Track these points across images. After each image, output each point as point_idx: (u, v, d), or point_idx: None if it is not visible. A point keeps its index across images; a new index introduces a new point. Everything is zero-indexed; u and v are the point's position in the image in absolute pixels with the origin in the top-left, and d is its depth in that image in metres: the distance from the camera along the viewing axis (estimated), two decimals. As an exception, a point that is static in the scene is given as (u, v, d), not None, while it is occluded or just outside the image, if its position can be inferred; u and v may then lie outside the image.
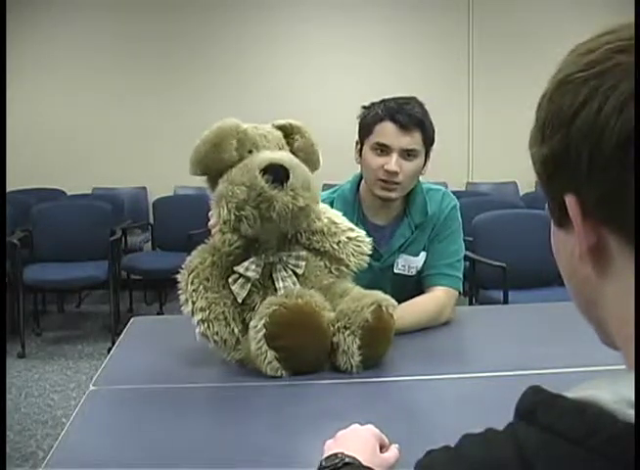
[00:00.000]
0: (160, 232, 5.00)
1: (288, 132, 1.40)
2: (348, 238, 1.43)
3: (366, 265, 1.46)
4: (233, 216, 1.24)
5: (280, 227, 1.30)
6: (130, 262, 4.65)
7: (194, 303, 1.30)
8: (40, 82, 5.46)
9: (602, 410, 0.39)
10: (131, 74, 5.50)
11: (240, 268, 1.33)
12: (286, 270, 1.35)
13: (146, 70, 5.51)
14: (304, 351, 1.29)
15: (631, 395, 0.39)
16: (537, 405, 0.43)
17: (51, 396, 3.32)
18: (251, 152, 1.31)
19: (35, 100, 5.46)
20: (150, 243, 5.16)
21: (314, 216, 1.36)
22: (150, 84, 5.52)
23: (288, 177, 1.23)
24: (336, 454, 0.86)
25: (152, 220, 5.14)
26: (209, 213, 1.44)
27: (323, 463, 0.86)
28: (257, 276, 1.33)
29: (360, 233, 1.46)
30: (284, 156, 1.29)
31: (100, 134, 5.50)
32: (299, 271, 1.37)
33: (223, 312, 1.31)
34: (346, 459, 0.85)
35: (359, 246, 1.44)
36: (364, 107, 1.73)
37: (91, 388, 1.31)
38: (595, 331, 0.51)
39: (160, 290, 4.92)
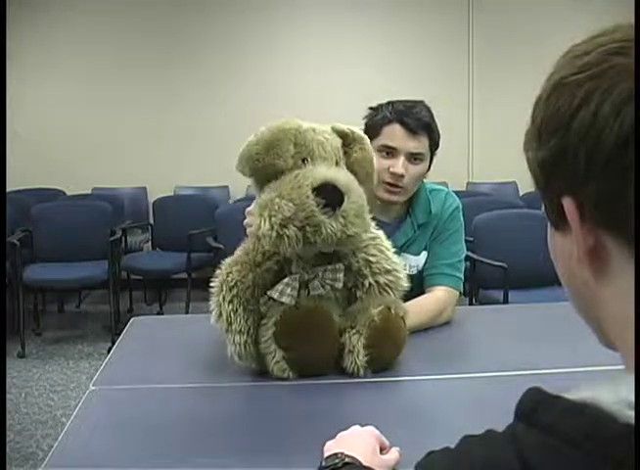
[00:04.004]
0: (159, 232, 5.01)
1: (347, 141, 1.32)
2: (377, 282, 1.30)
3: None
4: (275, 233, 1.13)
5: (320, 251, 1.21)
6: (130, 262, 4.65)
7: (230, 323, 1.24)
8: (40, 82, 5.46)
9: (601, 411, 0.39)
10: (131, 74, 5.50)
11: (274, 293, 1.25)
12: (324, 287, 1.27)
13: (146, 69, 5.50)
14: (313, 352, 1.28)
15: (631, 396, 0.39)
16: (537, 407, 0.43)
17: (51, 396, 3.32)
18: (304, 161, 1.22)
19: (35, 100, 5.46)
20: (150, 243, 5.17)
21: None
22: (150, 84, 5.52)
23: (341, 202, 1.13)
24: (336, 454, 0.86)
25: (152, 220, 5.14)
26: (246, 210, 1.39)
27: (323, 463, 0.86)
28: (293, 302, 1.25)
29: (394, 277, 1.31)
30: (340, 175, 1.18)
31: (100, 134, 5.50)
32: (339, 285, 1.28)
33: (258, 335, 1.27)
34: (346, 459, 0.85)
35: (387, 291, 1.30)
36: (371, 108, 1.73)
37: (91, 388, 1.31)
38: (594, 332, 0.51)
39: (159, 290, 4.92)
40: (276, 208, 1.14)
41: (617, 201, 0.42)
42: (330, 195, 1.13)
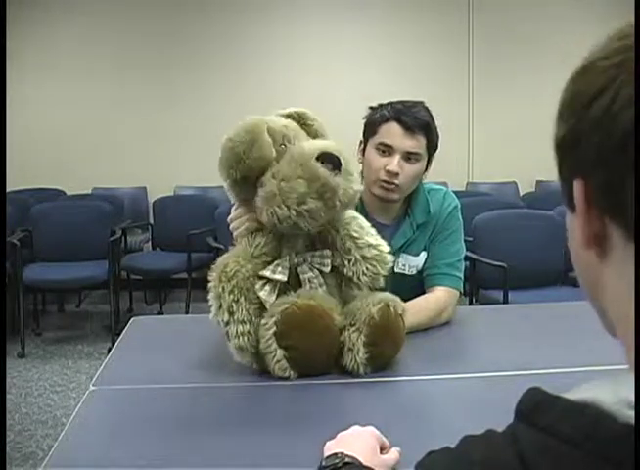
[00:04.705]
0: (159, 232, 5.01)
1: (296, 120, 1.38)
2: (363, 257, 1.32)
3: (381, 284, 1.37)
4: (294, 212, 1.18)
5: (338, 216, 1.29)
6: (130, 262, 4.65)
7: (232, 313, 1.25)
8: (40, 82, 5.46)
9: (601, 412, 0.39)
10: (131, 74, 5.50)
11: (267, 272, 1.28)
12: (312, 270, 1.31)
13: (145, 69, 5.50)
14: (313, 351, 1.28)
15: (631, 396, 0.39)
16: (537, 407, 0.43)
17: (51, 396, 3.32)
18: (282, 145, 1.27)
19: (35, 100, 5.46)
20: (150, 243, 5.16)
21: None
22: (149, 84, 5.51)
23: (340, 163, 1.21)
24: (336, 454, 0.86)
25: (152, 220, 5.14)
26: (229, 218, 1.42)
27: (323, 463, 0.86)
28: (285, 278, 1.29)
29: (378, 251, 1.34)
30: (327, 142, 1.27)
31: (100, 134, 5.50)
32: (326, 270, 1.32)
33: (258, 332, 1.27)
34: (346, 459, 0.85)
35: (374, 265, 1.32)
36: (371, 107, 1.74)
37: (91, 388, 1.31)
38: (598, 317, 0.51)
39: (160, 290, 4.92)
40: (287, 190, 1.18)
41: (620, 190, 0.42)
42: (331, 160, 1.20)
